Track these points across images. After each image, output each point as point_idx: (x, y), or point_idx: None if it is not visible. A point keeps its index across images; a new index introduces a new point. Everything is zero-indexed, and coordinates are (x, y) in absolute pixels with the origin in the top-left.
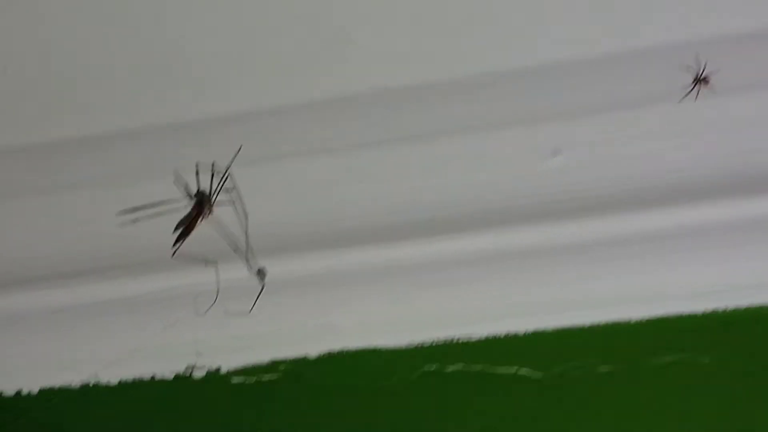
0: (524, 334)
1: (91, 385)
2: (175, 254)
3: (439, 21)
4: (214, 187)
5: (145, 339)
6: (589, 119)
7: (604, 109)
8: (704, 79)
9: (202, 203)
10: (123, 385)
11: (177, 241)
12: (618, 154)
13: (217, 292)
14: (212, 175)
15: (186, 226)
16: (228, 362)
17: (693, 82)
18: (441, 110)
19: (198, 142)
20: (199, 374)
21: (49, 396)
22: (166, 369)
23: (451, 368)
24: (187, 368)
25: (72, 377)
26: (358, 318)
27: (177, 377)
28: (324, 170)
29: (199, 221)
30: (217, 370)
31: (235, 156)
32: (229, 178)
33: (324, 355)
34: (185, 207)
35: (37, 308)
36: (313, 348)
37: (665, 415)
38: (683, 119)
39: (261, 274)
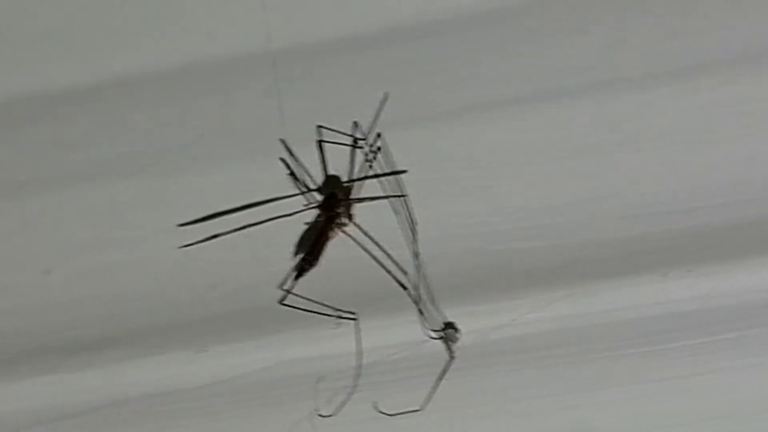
0: None
1: None
2: (286, 300)
3: None
4: (355, 172)
5: None
6: None
7: None
8: None
9: (333, 204)
10: None
11: (297, 274)
12: None
13: (359, 372)
14: (353, 149)
15: (310, 248)
16: None
17: None
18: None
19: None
20: None
21: None
22: None
23: None
24: None
25: None
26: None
27: None
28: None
29: (330, 237)
30: None
31: (381, 108)
32: (379, 152)
33: None
34: (305, 212)
35: None
36: None
37: None
38: None
39: (448, 334)
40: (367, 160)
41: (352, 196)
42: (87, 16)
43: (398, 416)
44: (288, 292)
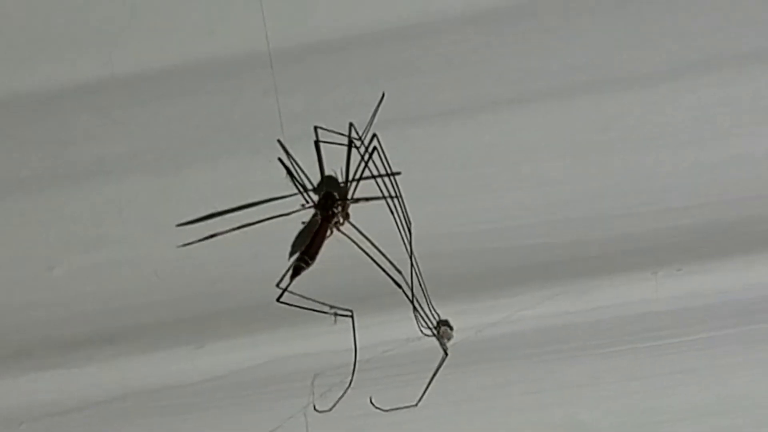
0: None
1: None
2: (283, 298)
3: None
4: (351, 172)
5: None
6: None
7: None
8: None
9: (329, 204)
10: None
11: (294, 272)
12: None
13: (354, 368)
14: (349, 149)
15: (307, 247)
16: None
17: None
18: None
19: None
20: None
21: None
22: None
23: None
24: None
25: None
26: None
27: None
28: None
29: (327, 236)
30: None
31: (378, 108)
32: (375, 152)
33: None
34: (302, 212)
35: None
36: None
37: None
38: None
39: (442, 332)
40: (362, 161)
41: (348, 196)
42: (88, 15)
43: (393, 411)
44: (285, 290)
